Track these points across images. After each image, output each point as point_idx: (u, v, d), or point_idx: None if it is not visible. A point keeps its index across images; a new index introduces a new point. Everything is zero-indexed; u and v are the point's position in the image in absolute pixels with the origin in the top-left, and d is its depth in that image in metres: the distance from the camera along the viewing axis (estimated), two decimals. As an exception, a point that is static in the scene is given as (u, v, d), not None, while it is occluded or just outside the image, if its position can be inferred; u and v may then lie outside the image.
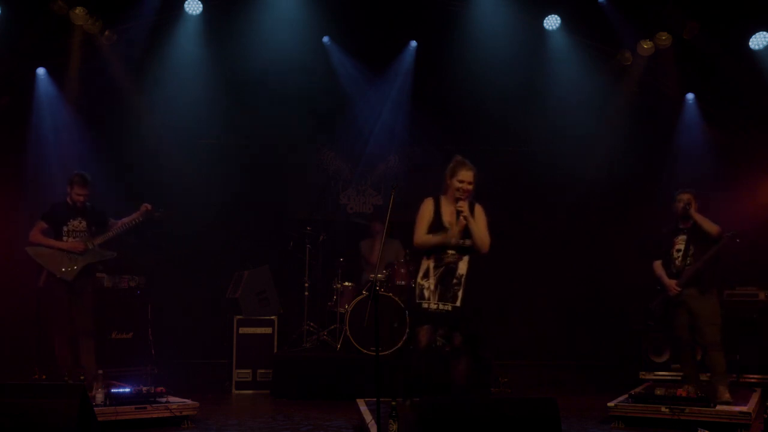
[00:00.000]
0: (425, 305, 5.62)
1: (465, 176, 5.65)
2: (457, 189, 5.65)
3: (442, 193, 5.80)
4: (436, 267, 5.66)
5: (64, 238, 6.82)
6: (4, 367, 7.89)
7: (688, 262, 6.66)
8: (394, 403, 5.18)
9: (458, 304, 5.58)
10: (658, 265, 6.91)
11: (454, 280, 5.61)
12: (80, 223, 6.89)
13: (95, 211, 7.03)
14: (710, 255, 6.57)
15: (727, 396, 6.40)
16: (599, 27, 8.47)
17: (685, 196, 6.75)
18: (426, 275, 5.68)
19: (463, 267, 5.65)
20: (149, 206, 7.01)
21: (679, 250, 6.75)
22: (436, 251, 5.70)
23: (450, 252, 5.66)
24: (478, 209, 5.76)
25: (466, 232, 5.65)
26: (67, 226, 6.84)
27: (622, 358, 9.10)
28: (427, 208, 5.76)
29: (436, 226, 5.70)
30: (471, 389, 5.74)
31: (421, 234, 5.71)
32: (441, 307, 5.58)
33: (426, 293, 5.63)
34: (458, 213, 5.61)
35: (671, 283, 6.71)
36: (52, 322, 6.86)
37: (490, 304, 9.32)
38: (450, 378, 5.74)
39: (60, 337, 6.76)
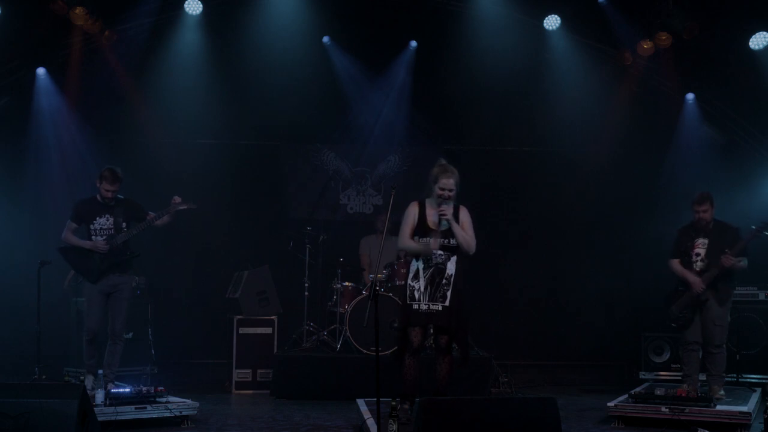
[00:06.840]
0: (415, 306, 5.70)
1: (445, 184, 5.75)
2: (439, 195, 5.75)
3: (426, 196, 5.88)
4: (425, 268, 5.74)
5: (93, 237, 6.67)
6: (4, 367, 7.89)
7: (707, 265, 6.57)
8: (393, 403, 5.20)
9: (447, 303, 5.66)
10: (677, 263, 6.78)
11: (444, 281, 5.69)
12: (107, 220, 6.66)
13: (131, 205, 6.80)
14: (738, 248, 6.49)
15: (721, 394, 6.47)
16: (599, 27, 8.47)
17: (703, 207, 6.61)
18: (416, 277, 5.77)
19: (451, 267, 5.74)
20: (179, 198, 6.75)
21: (698, 254, 6.67)
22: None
23: (438, 252, 5.72)
24: (463, 211, 5.83)
25: (450, 232, 5.72)
26: (94, 224, 6.66)
27: (622, 358, 9.09)
28: (412, 211, 5.86)
29: (421, 228, 5.79)
30: (451, 389, 5.79)
31: (406, 238, 5.82)
32: (431, 307, 5.67)
33: (416, 294, 5.72)
34: (440, 216, 5.70)
35: (697, 280, 6.61)
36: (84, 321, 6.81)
37: (489, 304, 9.33)
38: (433, 377, 5.81)
39: (86, 338, 6.67)
